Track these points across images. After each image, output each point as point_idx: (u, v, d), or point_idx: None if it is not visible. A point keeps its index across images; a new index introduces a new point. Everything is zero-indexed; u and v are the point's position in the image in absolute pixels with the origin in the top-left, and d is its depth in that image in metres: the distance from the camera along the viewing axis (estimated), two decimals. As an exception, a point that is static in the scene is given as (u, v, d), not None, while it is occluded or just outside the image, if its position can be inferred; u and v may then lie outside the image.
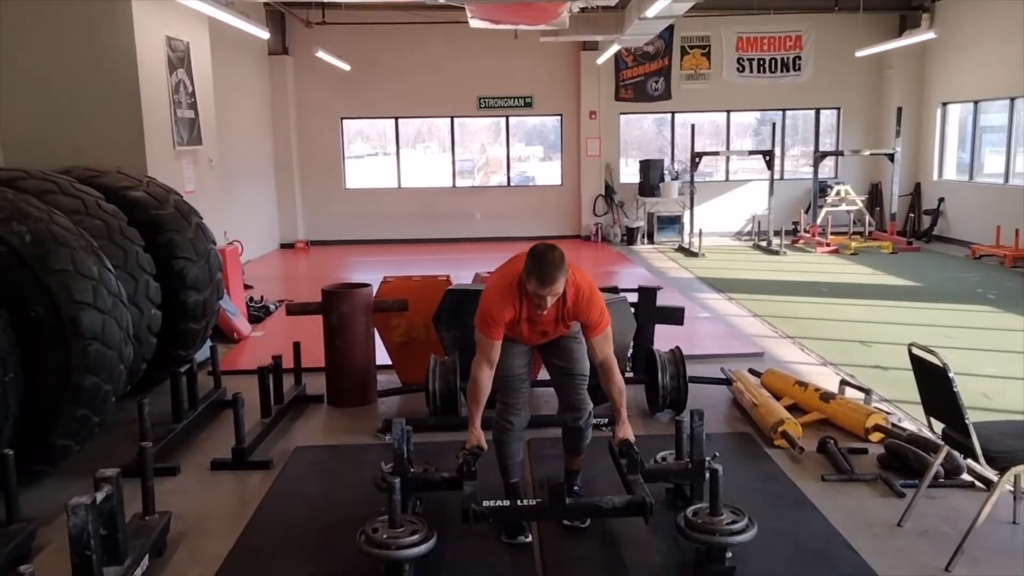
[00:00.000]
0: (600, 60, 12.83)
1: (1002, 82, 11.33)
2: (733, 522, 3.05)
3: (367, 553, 2.95)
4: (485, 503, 3.14)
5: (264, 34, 8.82)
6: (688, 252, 12.27)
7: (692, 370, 5.08)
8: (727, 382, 5.37)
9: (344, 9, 11.39)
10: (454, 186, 14.51)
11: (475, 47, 13.11)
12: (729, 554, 3.05)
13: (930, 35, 11.30)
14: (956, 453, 3.75)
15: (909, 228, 13.42)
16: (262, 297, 8.68)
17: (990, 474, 3.56)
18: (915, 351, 3.39)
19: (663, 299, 5.85)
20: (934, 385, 3.32)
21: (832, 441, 4.34)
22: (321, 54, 11.06)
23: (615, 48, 11.49)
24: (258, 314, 8.06)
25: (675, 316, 5.64)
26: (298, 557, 3.37)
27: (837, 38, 13.48)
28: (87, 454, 4.30)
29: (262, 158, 13.12)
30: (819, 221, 12.80)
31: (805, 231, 13.21)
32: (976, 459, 3.17)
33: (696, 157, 12.57)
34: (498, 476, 3.55)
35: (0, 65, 6.07)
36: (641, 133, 15.26)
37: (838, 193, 13.09)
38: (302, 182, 14.04)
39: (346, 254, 13.11)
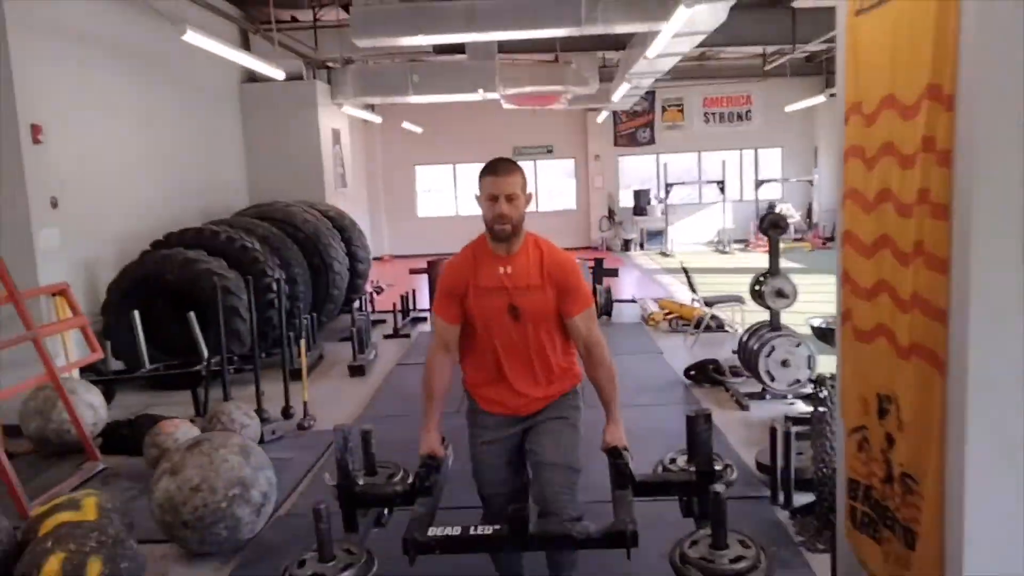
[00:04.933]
0: (599, 120, 17.83)
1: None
2: (739, 558, 2.35)
3: None
4: (431, 531, 2.52)
5: (379, 120, 14.03)
6: (664, 254, 17.09)
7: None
8: (633, 301, 10.27)
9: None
10: (497, 212, 19.50)
11: (511, 114, 18.15)
12: None
13: (821, 98, 16.00)
14: (718, 314, 8.51)
15: (833, 234, 18.04)
16: (376, 280, 13.77)
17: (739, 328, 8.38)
18: (683, 265, 8.24)
19: (624, 275, 10.75)
20: (688, 279, 8.16)
21: (674, 320, 9.14)
22: (406, 124, 16.26)
23: (606, 113, 16.46)
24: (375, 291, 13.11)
25: (614, 272, 10.52)
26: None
27: (778, 96, 18.21)
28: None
29: (360, 194, 18.32)
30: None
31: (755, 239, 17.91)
32: (694, 292, 8.01)
33: (668, 187, 17.46)
34: (472, 488, 2.99)
35: (253, 143, 11.30)
36: (636, 168, 20.13)
37: (780, 210, 17.78)
38: (387, 211, 19.22)
39: (418, 264, 18.16)
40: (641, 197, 18.61)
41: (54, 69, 6.28)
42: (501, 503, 2.77)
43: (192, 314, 6.13)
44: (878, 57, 2.37)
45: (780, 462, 3.96)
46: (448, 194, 19.76)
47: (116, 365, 6.74)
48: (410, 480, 2.92)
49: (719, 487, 2.43)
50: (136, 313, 6.29)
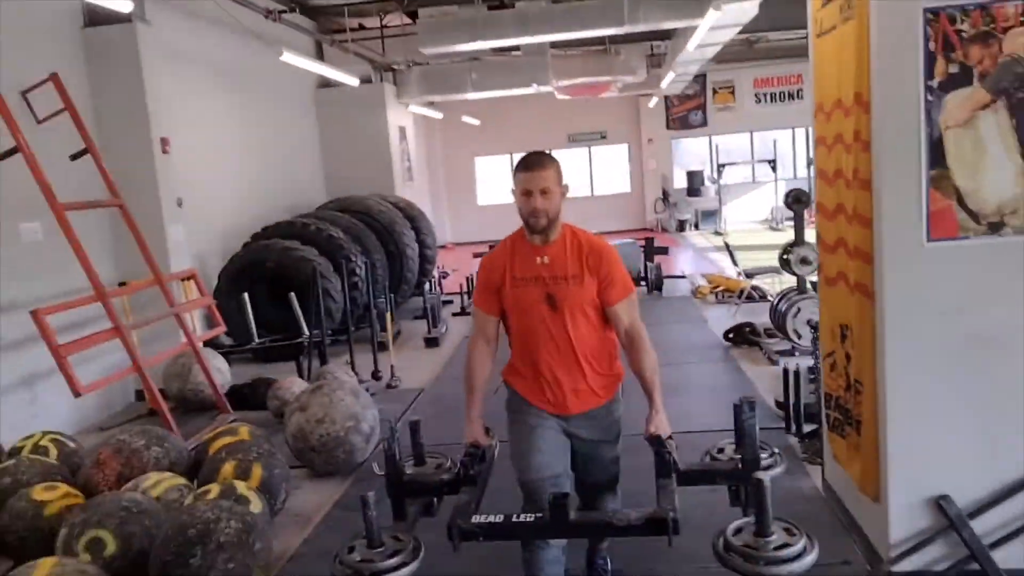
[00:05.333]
0: (651, 105, 18.45)
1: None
2: (785, 545, 2.32)
3: None
4: (475, 518, 2.58)
5: (439, 115, 15.00)
6: (718, 233, 17.66)
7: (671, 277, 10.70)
8: (683, 277, 10.99)
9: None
10: (554, 198, 20.35)
11: (564, 102, 18.88)
12: None
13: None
14: (759, 285, 9.21)
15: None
16: (442, 265, 14.76)
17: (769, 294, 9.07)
18: (725, 240, 8.95)
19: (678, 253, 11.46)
20: (730, 254, 8.87)
21: (721, 292, 9.85)
22: (465, 118, 17.19)
23: (657, 98, 17.09)
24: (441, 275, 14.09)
25: (664, 250, 11.26)
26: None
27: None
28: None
29: (424, 185, 19.36)
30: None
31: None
32: (734, 264, 8.72)
33: (721, 167, 18.00)
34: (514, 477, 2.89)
35: (328, 143, 12.38)
36: (689, 150, 20.67)
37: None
38: (448, 201, 20.22)
39: (478, 249, 19.13)
40: (694, 178, 19.18)
41: (175, 88, 7.36)
42: (545, 490, 2.67)
43: (293, 295, 7.16)
44: (830, 70, 3.16)
45: (792, 399, 4.74)
46: (506, 182, 20.64)
47: (225, 341, 7.84)
48: (456, 469, 2.96)
49: (763, 475, 2.34)
50: (246, 295, 7.35)
